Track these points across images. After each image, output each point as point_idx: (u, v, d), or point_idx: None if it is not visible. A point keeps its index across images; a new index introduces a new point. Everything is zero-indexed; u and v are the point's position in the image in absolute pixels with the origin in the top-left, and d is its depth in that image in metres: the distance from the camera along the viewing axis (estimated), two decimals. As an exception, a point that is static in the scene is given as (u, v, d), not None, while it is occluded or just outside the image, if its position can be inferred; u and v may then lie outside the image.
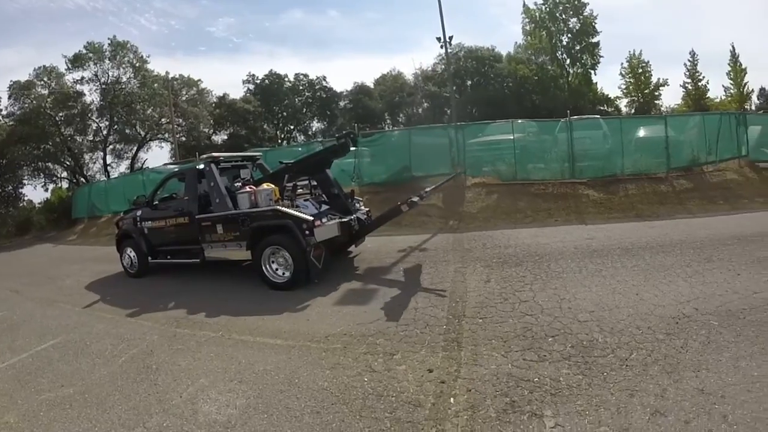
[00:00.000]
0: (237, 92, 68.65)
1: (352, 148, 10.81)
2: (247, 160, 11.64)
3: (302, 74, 63.91)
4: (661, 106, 59.38)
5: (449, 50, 61.10)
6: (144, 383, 5.69)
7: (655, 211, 15.65)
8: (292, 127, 62.76)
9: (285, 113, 61.68)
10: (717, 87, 66.32)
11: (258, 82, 60.88)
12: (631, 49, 73.87)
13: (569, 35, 59.20)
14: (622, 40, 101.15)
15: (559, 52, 59.52)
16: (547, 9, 58.88)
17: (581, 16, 58.42)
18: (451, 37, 30.82)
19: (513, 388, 4.78)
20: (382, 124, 59.97)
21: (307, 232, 8.45)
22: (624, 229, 13.26)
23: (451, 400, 4.67)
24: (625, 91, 61.29)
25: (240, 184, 10.01)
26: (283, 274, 8.88)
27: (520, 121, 20.83)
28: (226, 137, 56.42)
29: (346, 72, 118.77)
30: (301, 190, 10.40)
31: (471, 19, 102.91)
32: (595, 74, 60.63)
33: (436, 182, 12.61)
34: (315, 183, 10.72)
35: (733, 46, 57.11)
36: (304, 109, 64.52)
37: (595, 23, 58.39)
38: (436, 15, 28.69)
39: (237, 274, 10.81)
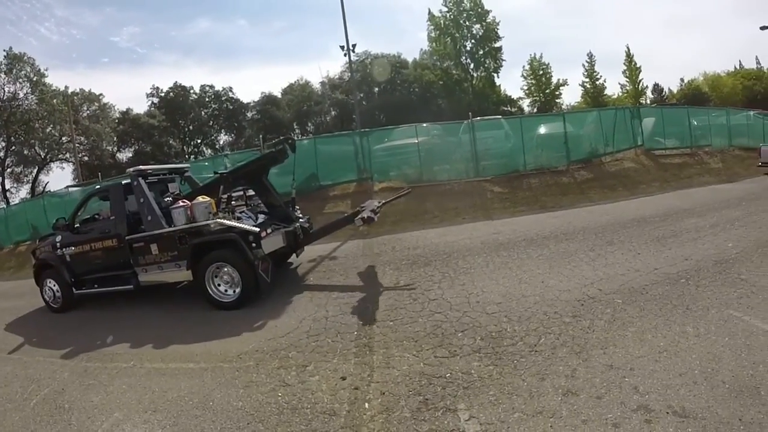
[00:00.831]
0: (141, 106, 65.74)
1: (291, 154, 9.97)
2: (175, 173, 10.65)
3: (208, 85, 61.68)
4: (562, 104, 62.47)
5: (356, 58, 62.16)
6: (58, 425, 5.35)
7: (558, 202, 16.02)
8: (199, 140, 60.80)
9: (191, 127, 59.70)
10: (614, 85, 70.55)
11: (162, 95, 58.25)
12: (532, 52, 78.06)
13: (473, 41, 60.43)
14: (526, 45, 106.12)
15: (464, 57, 60.63)
16: (452, 16, 59.88)
17: (484, 23, 59.77)
18: (354, 45, 30.56)
19: (426, 386, 4.76)
20: (291, 134, 58.73)
21: (254, 244, 7.91)
22: (529, 221, 13.43)
23: (366, 405, 4.62)
24: (527, 92, 63.47)
25: (170, 198, 9.19)
26: (231, 292, 8.20)
27: (425, 124, 21.10)
28: (131, 155, 54.24)
29: (254, 82, 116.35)
30: (234, 202, 9.80)
31: (379, 26, 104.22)
32: (498, 77, 62.40)
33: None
34: (250, 193, 10.15)
35: (628, 47, 61.31)
36: (211, 122, 62.44)
37: (498, 29, 60.14)
38: (341, 24, 28.49)
39: (173, 298, 9.90)
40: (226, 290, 8.22)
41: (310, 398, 4.87)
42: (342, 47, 30.25)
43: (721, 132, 25.83)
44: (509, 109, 59.39)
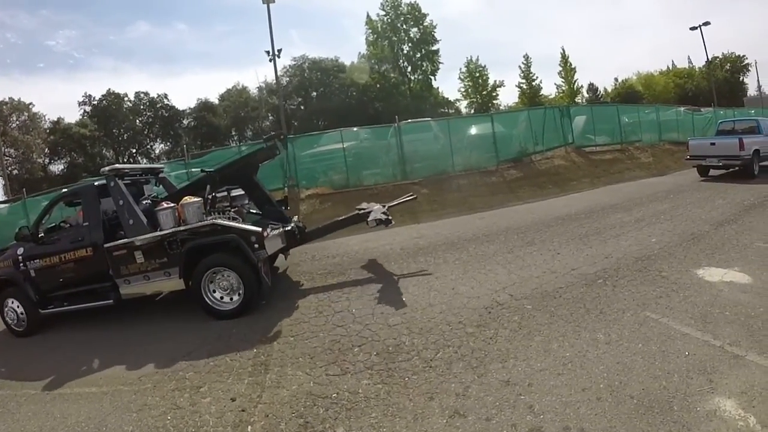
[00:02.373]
0: (75, 115, 61.65)
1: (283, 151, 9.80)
2: (149, 174, 9.81)
3: (143, 92, 59.11)
4: (500, 105, 63.60)
5: (294, 62, 61.39)
6: (-38, 458, 4.92)
7: (487, 202, 15.70)
8: (133, 150, 58.28)
9: (125, 136, 58.68)
10: (551, 85, 72.36)
11: (95, 103, 55.98)
12: (470, 54, 79.05)
13: (410, 44, 60.84)
14: (468, 47, 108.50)
15: (401, 61, 61.05)
16: (389, 20, 60.07)
17: (422, 26, 60.33)
18: (279, 51, 29.74)
19: (309, 408, 4.51)
20: (229, 141, 57.43)
21: (256, 245, 7.28)
22: (454, 223, 13.01)
23: (249, 428, 4.37)
24: (464, 93, 64.21)
25: (149, 201, 8.63)
26: (230, 299, 7.51)
27: (355, 129, 20.92)
28: (63, 167, 52.22)
29: (195, 87, 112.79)
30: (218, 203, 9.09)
31: (324, 31, 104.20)
32: (435, 79, 63.15)
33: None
34: (235, 193, 9.46)
35: (563, 49, 62.90)
36: (146, 130, 60.05)
37: (435, 32, 60.87)
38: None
39: (103, 315, 8.66)
40: (226, 297, 7.55)
41: (197, 421, 4.60)
42: (267, 52, 29.29)
43: (651, 128, 26.57)
44: (447, 110, 60.12)
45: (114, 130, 56.91)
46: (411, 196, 10.81)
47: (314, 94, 61.50)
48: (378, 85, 59.29)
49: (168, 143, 60.03)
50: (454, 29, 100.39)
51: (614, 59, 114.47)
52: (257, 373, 5.38)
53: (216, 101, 60.77)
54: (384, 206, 9.70)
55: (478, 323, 5.83)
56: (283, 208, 9.66)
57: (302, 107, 61.00)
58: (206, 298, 7.49)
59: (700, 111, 32.15)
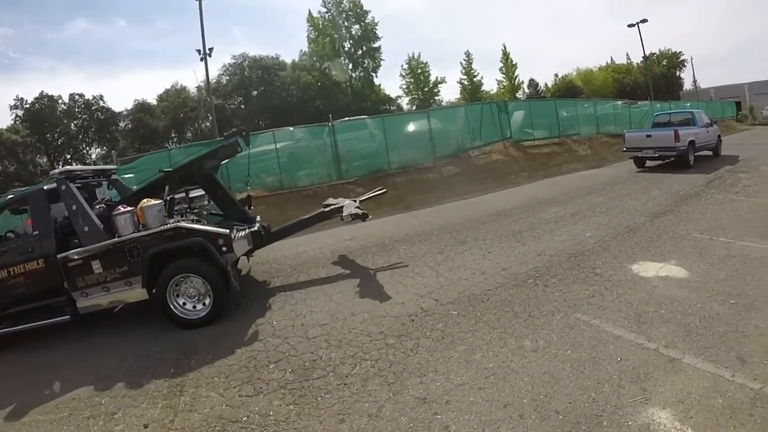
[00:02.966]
0: (6, 120, 58.69)
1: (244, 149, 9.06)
2: (101, 176, 9.10)
3: (78, 94, 56.04)
4: (442, 101, 63.85)
5: (234, 61, 60.05)
6: None
7: (424, 199, 15.28)
8: (68, 156, 55.17)
9: (60, 141, 55.45)
10: (492, 81, 73.50)
11: (28, 106, 52.83)
12: (412, 51, 79.95)
13: (351, 41, 60.80)
14: (412, 44, 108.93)
15: (342, 58, 60.70)
16: (330, 17, 59.91)
17: (363, 23, 60.44)
18: (211, 49, 28.40)
19: None
20: (168, 144, 55.53)
21: (224, 248, 6.94)
22: (388, 222, 12.50)
23: None
24: (406, 90, 64.52)
25: (102, 206, 7.89)
26: (198, 306, 7.02)
27: (291, 128, 20.06)
28: (-7, 175, 48.22)
29: (135, 88, 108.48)
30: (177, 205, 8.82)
31: (267, 28, 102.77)
32: (377, 77, 63.19)
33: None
34: (194, 194, 9.02)
35: (504, 46, 64.64)
36: (81, 135, 57.02)
37: (377, 29, 61.01)
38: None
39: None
40: (193, 305, 7.06)
41: (108, 451, 4.29)
42: (199, 51, 28.12)
43: (589, 121, 26.91)
44: (389, 107, 60.02)
45: (48, 135, 53.71)
46: (381, 190, 10.67)
47: (255, 93, 60.43)
48: (319, 84, 58.83)
49: (104, 147, 56.95)
50: (399, 26, 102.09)
51: (556, 56, 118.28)
52: (172, 395, 5.03)
53: (154, 102, 58.57)
54: (355, 200, 9.53)
55: (400, 333, 5.46)
56: (246, 207, 9.25)
57: (242, 106, 59.71)
58: (172, 307, 7.01)
59: (637, 104, 32.88)
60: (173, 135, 58.36)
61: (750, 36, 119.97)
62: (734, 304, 5.11)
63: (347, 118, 21.25)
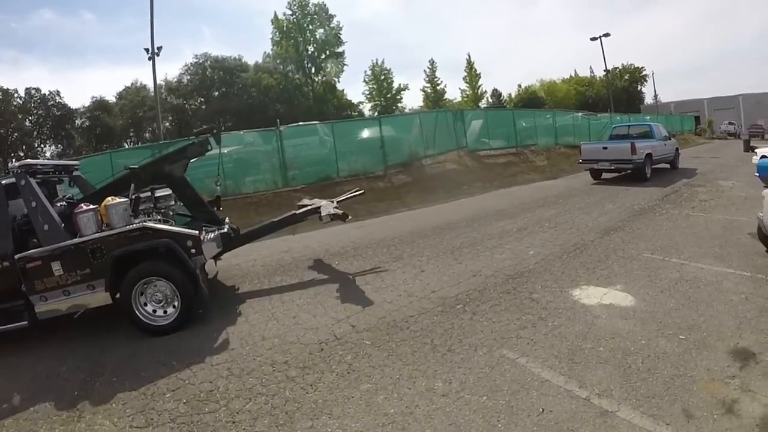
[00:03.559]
0: None
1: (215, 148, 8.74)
2: (62, 171, 8.57)
3: (34, 89, 53.66)
4: (404, 108, 63.96)
5: (195, 60, 58.63)
6: None
7: (371, 209, 14.53)
8: (21, 153, 52.27)
9: (13, 137, 52.91)
10: (456, 90, 73.79)
11: None
12: (381, 57, 79.94)
13: (315, 45, 60.49)
14: (378, 50, 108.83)
15: (306, 62, 60.34)
16: (296, 20, 59.46)
17: (328, 27, 60.34)
18: (159, 48, 26.99)
19: None
20: (126, 143, 53.99)
21: (193, 251, 6.63)
22: (329, 234, 11.69)
23: None
24: (368, 96, 64.44)
25: (64, 204, 7.54)
26: (165, 312, 6.65)
27: (242, 132, 19.52)
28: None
29: (99, 84, 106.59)
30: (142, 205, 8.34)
31: (235, 29, 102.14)
32: (339, 82, 63.07)
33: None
34: (160, 193, 8.57)
35: (469, 55, 67.28)
36: (36, 131, 54.69)
37: (341, 34, 60.97)
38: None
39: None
40: (156, 311, 6.69)
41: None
42: (147, 50, 26.83)
43: (548, 132, 26.76)
44: (350, 113, 59.66)
45: (0, 131, 51.62)
46: (358, 191, 10.26)
47: (216, 93, 59.21)
48: (280, 86, 58.21)
49: (59, 145, 55.34)
50: (368, 32, 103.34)
51: (521, 67, 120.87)
52: (70, 420, 4.66)
53: (114, 99, 56.82)
54: (333, 201, 9.28)
55: (305, 364, 4.91)
56: (215, 209, 8.89)
57: (203, 107, 58.32)
58: (137, 313, 6.62)
59: (597, 116, 32.93)
60: (132, 134, 56.82)
61: (710, 54, 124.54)
62: (684, 341, 4.46)
63: (298, 123, 20.74)
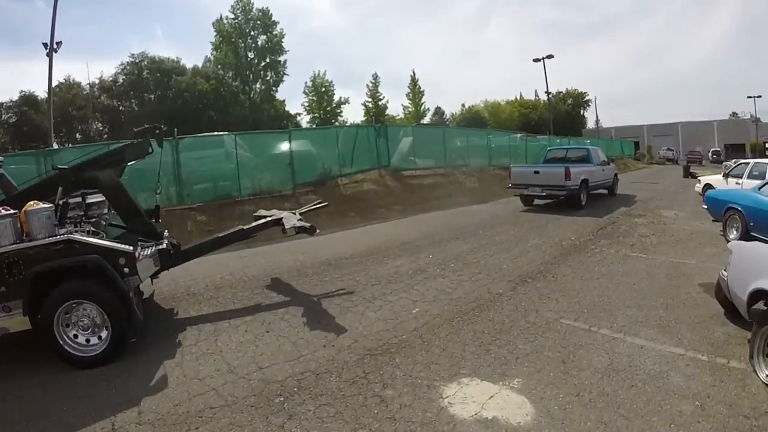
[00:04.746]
0: None
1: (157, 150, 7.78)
2: None
3: None
4: (345, 121, 62.29)
5: (131, 59, 54.48)
6: None
7: (267, 234, 12.16)
8: None
9: None
10: (399, 106, 73.58)
11: None
12: (319, 69, 78.65)
13: (255, 51, 58.42)
14: (328, 62, 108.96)
15: (245, 68, 58.09)
16: (238, 24, 57.29)
17: (270, 34, 58.29)
18: (59, 43, 24.23)
19: None
20: (55, 143, 50.61)
21: (126, 270, 5.58)
22: (208, 264, 9.43)
23: None
24: (308, 108, 62.71)
25: None
26: (94, 340, 5.55)
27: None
28: None
29: (35, 78, 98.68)
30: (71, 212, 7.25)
31: (187, 30, 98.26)
32: (277, 91, 61.11)
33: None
34: (92, 199, 7.58)
35: (413, 72, 64.71)
36: None
37: (283, 42, 59.05)
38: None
39: None
40: (87, 339, 5.65)
41: None
42: (45, 44, 24.05)
43: (481, 152, 25.45)
44: (287, 124, 57.03)
45: None
46: (322, 203, 9.58)
47: (152, 96, 55.73)
48: (216, 93, 55.84)
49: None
50: (318, 43, 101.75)
51: (468, 87, 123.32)
52: None
53: (44, 95, 52.88)
54: (295, 213, 8.50)
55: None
56: (154, 220, 7.82)
57: (136, 108, 54.53)
58: (61, 342, 5.64)
59: (535, 138, 32.13)
60: (62, 134, 52.72)
61: (650, 83, 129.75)
62: None
63: (204, 134, 18.94)
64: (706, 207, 11.15)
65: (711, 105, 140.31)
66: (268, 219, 7.97)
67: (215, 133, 19.92)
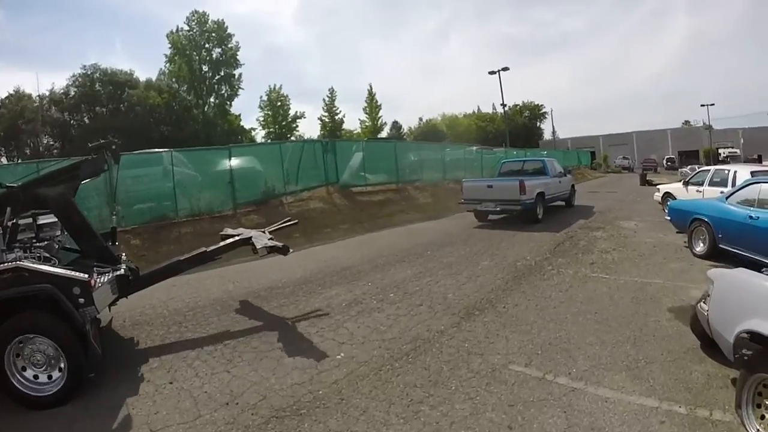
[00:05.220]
0: None
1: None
2: None
3: None
4: (301, 135, 61.74)
5: (82, 71, 52.53)
6: None
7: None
8: None
9: None
10: (356, 120, 73.68)
11: None
12: (274, 83, 78.84)
13: (210, 65, 57.30)
14: (287, 77, 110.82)
15: (198, 82, 56.89)
16: (192, 36, 56.16)
17: (225, 47, 57.38)
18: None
19: None
20: (3, 158, 48.47)
21: (81, 300, 5.11)
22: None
23: None
24: (263, 123, 62.13)
25: None
26: (48, 378, 5.04)
27: (71, 159, 15.57)
28: None
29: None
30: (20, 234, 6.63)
31: (147, 43, 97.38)
32: (231, 105, 60.28)
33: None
34: (44, 220, 6.88)
35: (370, 86, 66.32)
36: None
37: (238, 55, 58.23)
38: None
39: None
40: (38, 377, 5.08)
41: None
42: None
43: (435, 166, 24.94)
44: (241, 139, 56.33)
45: None
46: (292, 221, 9.28)
47: (104, 110, 53.91)
48: (168, 107, 54.54)
49: None
50: (278, 58, 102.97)
51: (427, 101, 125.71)
52: None
53: None
54: (264, 231, 8.16)
55: None
56: (110, 243, 7.30)
57: (87, 122, 52.82)
58: (13, 381, 5.05)
59: (492, 150, 31.77)
60: (11, 148, 50.86)
61: (605, 96, 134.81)
62: None
63: (142, 151, 17.64)
64: (669, 218, 10.57)
65: (664, 115, 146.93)
66: (236, 239, 7.46)
67: (152, 150, 18.82)
